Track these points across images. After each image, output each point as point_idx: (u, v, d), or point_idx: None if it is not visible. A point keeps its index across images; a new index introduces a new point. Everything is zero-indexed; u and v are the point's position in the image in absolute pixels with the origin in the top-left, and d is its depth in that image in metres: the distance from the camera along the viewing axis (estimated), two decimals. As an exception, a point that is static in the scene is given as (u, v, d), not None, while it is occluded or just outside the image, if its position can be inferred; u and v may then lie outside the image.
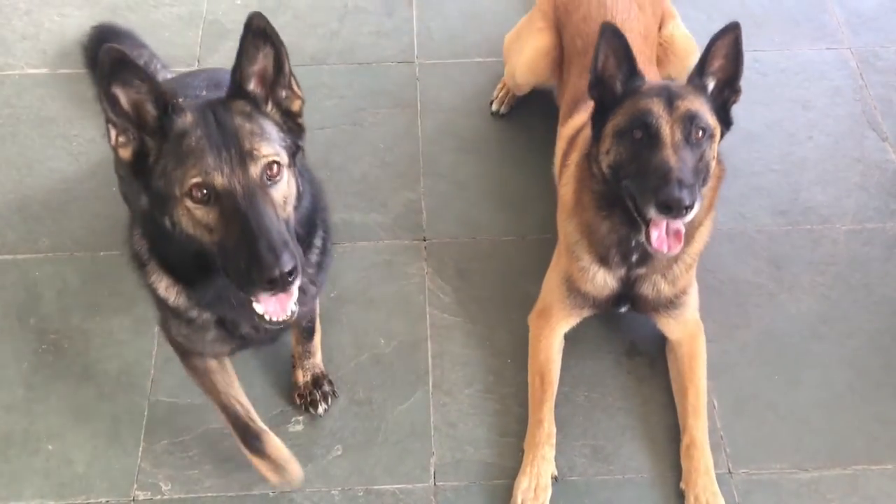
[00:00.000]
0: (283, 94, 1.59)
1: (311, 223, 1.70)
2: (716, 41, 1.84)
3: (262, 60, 1.54)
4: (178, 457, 2.10)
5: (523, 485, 1.99)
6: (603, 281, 2.05)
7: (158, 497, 2.04)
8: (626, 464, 2.08)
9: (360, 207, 2.56)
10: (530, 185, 2.59)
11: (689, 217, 1.76)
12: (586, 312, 2.16)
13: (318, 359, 2.17)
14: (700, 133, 1.80)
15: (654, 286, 2.04)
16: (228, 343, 1.85)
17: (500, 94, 2.77)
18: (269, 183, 1.51)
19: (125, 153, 1.54)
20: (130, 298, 2.38)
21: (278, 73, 1.56)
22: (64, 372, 2.25)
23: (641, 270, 2.02)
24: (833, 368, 2.22)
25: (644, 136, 1.80)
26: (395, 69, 2.91)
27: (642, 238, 1.85)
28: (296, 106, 1.61)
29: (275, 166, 1.51)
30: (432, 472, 2.07)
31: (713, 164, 1.86)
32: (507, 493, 2.02)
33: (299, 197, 1.60)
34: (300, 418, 2.15)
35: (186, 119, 1.50)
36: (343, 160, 2.68)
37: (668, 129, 1.78)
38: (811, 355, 2.25)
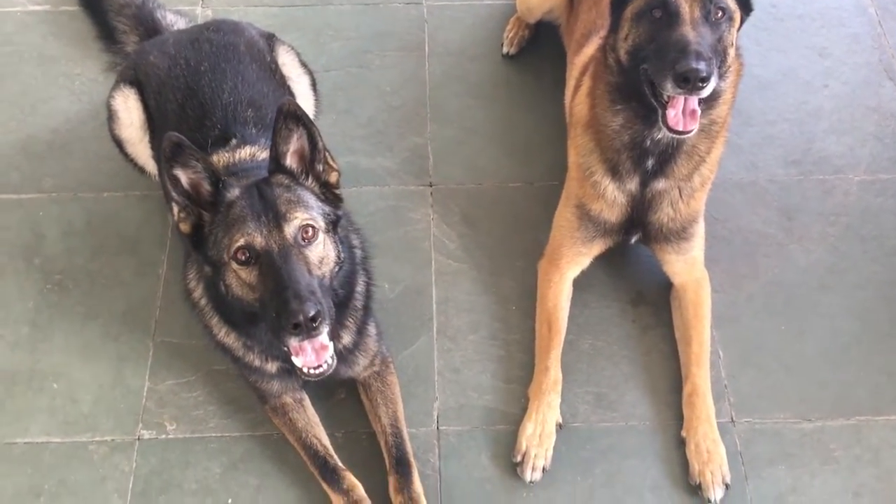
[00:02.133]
0: (320, 167, 1.76)
1: (352, 280, 1.85)
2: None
3: (297, 140, 1.73)
4: (183, 397, 2.11)
5: (528, 431, 2.00)
6: (614, 196, 2.01)
7: (163, 436, 2.06)
8: (629, 411, 2.08)
9: (365, 152, 2.53)
10: (539, 130, 2.55)
11: (707, 91, 1.75)
12: (596, 247, 2.13)
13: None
14: (720, 13, 1.79)
15: (671, 205, 2.01)
16: (293, 379, 1.97)
17: (511, 35, 2.71)
18: (303, 243, 1.67)
19: (185, 227, 1.73)
20: (135, 239, 2.38)
21: (313, 150, 1.74)
22: (69, 311, 2.25)
23: (658, 184, 1.97)
24: (840, 320, 2.21)
25: (663, 15, 1.79)
26: (403, 10, 2.85)
27: (658, 133, 1.85)
28: (332, 178, 1.78)
29: (310, 230, 1.68)
30: (435, 417, 2.08)
31: (732, 51, 1.85)
32: (510, 438, 2.03)
33: (338, 260, 1.74)
34: (304, 361, 2.15)
35: (234, 193, 1.70)
36: (349, 103, 2.64)
37: (686, 7, 1.78)
38: (819, 306, 2.24)
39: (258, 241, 1.64)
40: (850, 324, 2.20)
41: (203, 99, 2.08)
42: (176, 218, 1.74)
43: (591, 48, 2.16)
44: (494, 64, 2.71)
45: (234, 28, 2.26)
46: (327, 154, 1.76)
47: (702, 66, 1.70)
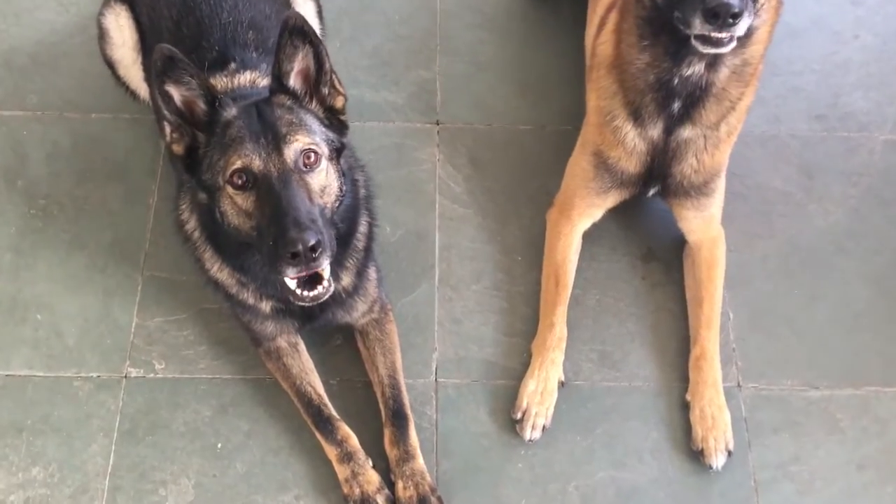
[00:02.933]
0: (326, 91, 1.65)
1: (354, 217, 1.75)
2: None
3: (302, 59, 1.61)
4: (173, 335, 2.03)
5: (530, 387, 1.94)
6: (634, 143, 1.90)
7: (151, 375, 1.99)
8: (634, 371, 2.02)
9: (370, 84, 2.40)
10: (555, 70, 2.41)
11: (740, 28, 1.61)
12: (611, 199, 2.03)
13: (419, 463, 1.83)
14: (310, 156, 1.60)
15: (695, 154, 1.89)
16: (289, 321, 1.86)
17: None
18: (305, 169, 1.57)
19: (178, 148, 1.62)
20: (124, 166, 2.26)
21: (319, 71, 1.63)
22: (53, 239, 2.15)
23: (684, 131, 1.86)
24: (855, 286, 2.14)
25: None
26: (415, -69, 2.66)
27: (686, 69, 1.73)
28: (338, 103, 1.67)
29: (312, 155, 1.58)
30: (434, 368, 2.01)
31: None
32: (509, 393, 1.98)
33: (341, 191, 1.64)
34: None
35: (231, 112, 1.59)
36: (354, 30, 2.48)
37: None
38: (834, 270, 2.16)
39: (256, 163, 1.54)
40: (865, 290, 2.13)
41: (200, 17, 1.94)
42: (168, 139, 1.62)
43: None
44: (509, -6, 2.56)
45: None
46: (334, 76, 1.64)
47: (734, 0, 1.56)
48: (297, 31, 1.55)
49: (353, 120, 2.30)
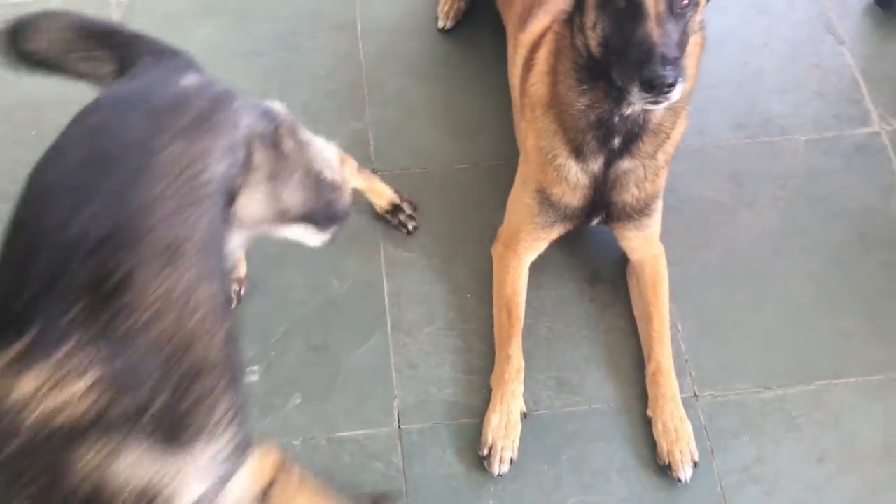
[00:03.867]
0: None
1: None
2: None
3: None
4: (129, 416, 2.00)
5: (493, 422, 1.95)
6: (577, 179, 1.94)
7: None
8: (593, 394, 2.05)
9: (303, 140, 2.42)
10: (482, 108, 2.47)
11: (675, 95, 1.66)
12: (556, 231, 2.07)
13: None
14: (685, 1, 1.67)
15: (636, 183, 1.95)
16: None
17: (446, 8, 2.60)
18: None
19: None
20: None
21: None
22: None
23: (624, 163, 1.91)
24: (795, 284, 2.20)
25: (627, 6, 1.65)
26: (332, -14, 2.72)
27: (626, 109, 1.78)
28: None
29: None
30: (396, 415, 2.02)
31: (695, 32, 1.76)
32: (473, 431, 1.99)
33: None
34: (255, 368, 2.07)
35: None
36: (282, 90, 2.50)
37: (651, 1, 1.64)
38: (773, 272, 2.23)
39: None
40: (805, 288, 2.20)
41: None
42: None
43: (536, 24, 2.07)
44: (432, 39, 2.61)
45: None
46: None
47: (668, 71, 1.60)
48: None
49: (289, 178, 2.33)
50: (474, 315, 2.15)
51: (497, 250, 2.13)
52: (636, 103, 1.73)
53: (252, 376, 2.06)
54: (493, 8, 2.52)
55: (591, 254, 2.24)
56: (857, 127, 2.47)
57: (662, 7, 1.65)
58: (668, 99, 1.66)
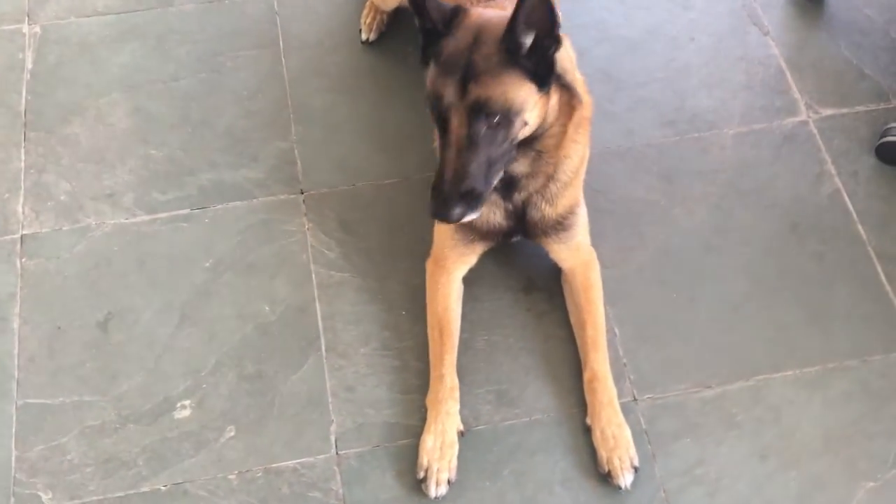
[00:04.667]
0: None
1: None
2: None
3: None
4: (56, 461, 1.94)
5: (428, 444, 1.92)
6: (484, 213, 1.93)
7: (40, 508, 1.89)
8: (532, 405, 2.02)
9: (228, 164, 2.37)
10: (409, 120, 2.43)
11: (471, 217, 1.71)
12: (479, 248, 2.05)
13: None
14: (496, 119, 1.63)
15: (537, 208, 1.95)
16: None
17: (368, 21, 2.56)
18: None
19: None
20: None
21: None
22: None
23: (517, 196, 1.91)
24: (729, 280, 2.20)
25: (440, 122, 1.68)
26: (251, 4, 2.66)
27: None
28: None
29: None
30: (333, 441, 1.97)
31: (535, 116, 1.71)
32: (413, 452, 1.95)
33: None
34: (186, 402, 2.01)
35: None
36: (204, 113, 2.46)
37: (455, 122, 1.64)
38: (707, 269, 2.22)
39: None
40: (739, 283, 2.20)
41: None
42: None
43: None
44: (355, 53, 2.57)
45: None
46: None
47: (450, 208, 1.66)
48: None
49: (214, 203, 2.30)
50: (410, 333, 2.11)
51: (428, 267, 2.10)
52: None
53: (183, 411, 2.00)
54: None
55: (525, 263, 2.21)
56: (785, 117, 2.48)
57: (465, 132, 1.63)
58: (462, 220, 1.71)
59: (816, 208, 2.31)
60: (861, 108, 2.49)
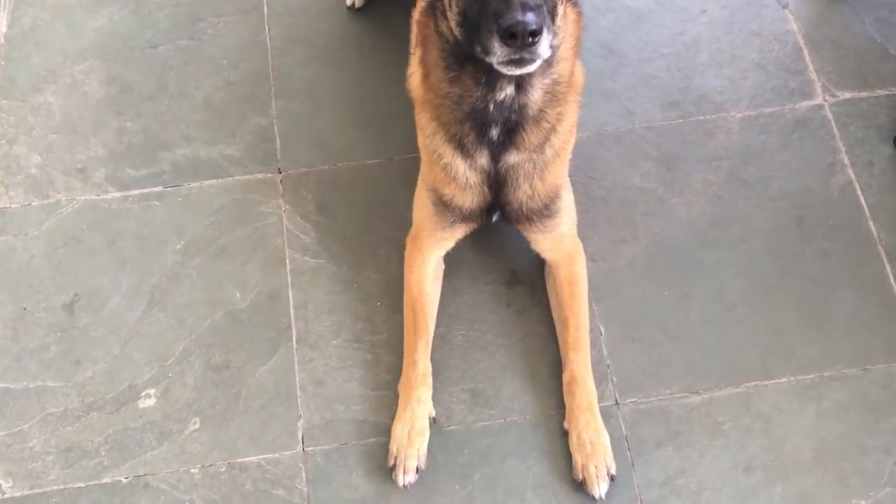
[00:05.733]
0: None
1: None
2: None
3: None
4: (17, 448, 1.90)
5: (398, 431, 1.85)
6: (466, 178, 1.81)
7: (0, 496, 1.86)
8: (508, 406, 1.93)
9: (204, 139, 2.26)
10: (395, 96, 2.27)
11: (542, 48, 1.50)
12: (459, 231, 1.94)
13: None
14: None
15: (526, 178, 1.81)
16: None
17: None
18: None
19: None
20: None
21: None
22: None
23: (510, 157, 1.77)
24: (725, 277, 2.07)
25: None
26: (236, -34, 2.52)
27: (500, 94, 1.64)
28: None
29: None
30: (300, 437, 1.91)
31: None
32: (381, 451, 1.88)
33: None
34: (151, 391, 1.95)
35: None
36: (181, 83, 2.34)
37: None
38: (702, 265, 2.09)
39: None
40: (736, 281, 2.07)
41: None
42: None
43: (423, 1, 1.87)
44: (341, 20, 2.43)
45: None
46: None
47: (529, 17, 1.45)
48: None
49: (188, 181, 2.20)
50: (384, 325, 2.02)
51: (407, 248, 2.00)
52: (502, 70, 1.56)
53: (148, 401, 1.95)
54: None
55: (508, 254, 2.10)
56: (799, 100, 2.31)
57: None
58: (533, 57, 1.51)
59: (825, 202, 2.16)
60: (882, 93, 2.31)
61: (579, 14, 1.69)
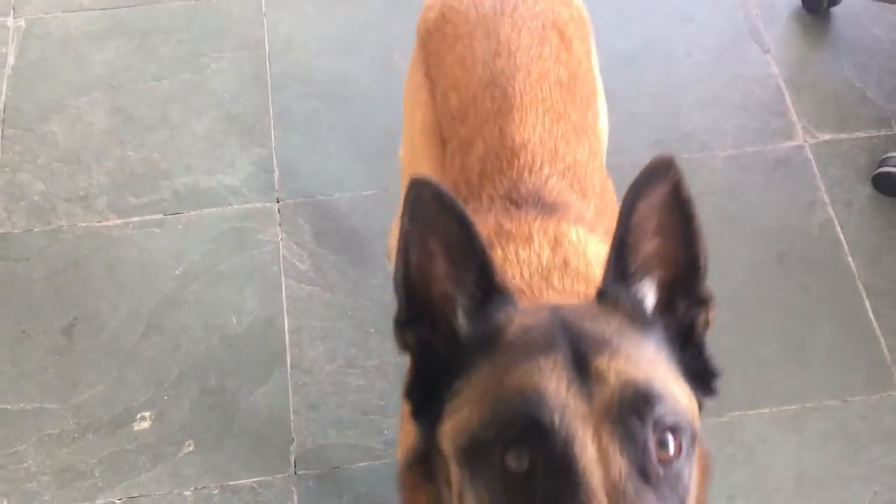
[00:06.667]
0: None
1: None
2: (641, 192, 0.92)
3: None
4: (13, 469, 1.92)
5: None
6: None
7: (-7, 516, 1.88)
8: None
9: (204, 169, 2.33)
10: (389, 131, 2.36)
11: None
12: None
13: None
14: (669, 439, 0.84)
15: None
16: None
17: None
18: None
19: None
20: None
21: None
22: None
23: None
24: (710, 310, 2.13)
25: (536, 468, 0.81)
26: (239, 4, 2.61)
27: None
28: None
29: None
30: (292, 461, 1.94)
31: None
32: (371, 476, 1.91)
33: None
34: (146, 414, 1.99)
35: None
36: (184, 115, 2.42)
37: (592, 451, 0.80)
38: (688, 298, 2.15)
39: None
40: (719, 313, 2.07)
41: None
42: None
43: None
44: (341, 58, 2.51)
45: None
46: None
47: None
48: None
49: (188, 209, 2.26)
50: (377, 351, 2.07)
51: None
52: None
53: (143, 423, 1.98)
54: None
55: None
56: (780, 140, 2.40)
57: (623, 468, 0.80)
58: None
59: (806, 238, 2.23)
60: (861, 134, 2.40)
61: (707, 455, 1.04)
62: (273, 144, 2.37)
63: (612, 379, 0.84)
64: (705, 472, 1.02)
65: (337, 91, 2.46)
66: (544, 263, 1.18)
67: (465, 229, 0.91)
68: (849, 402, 2.00)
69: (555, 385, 0.83)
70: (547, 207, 1.26)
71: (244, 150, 2.36)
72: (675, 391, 0.88)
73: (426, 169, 1.52)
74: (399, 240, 0.93)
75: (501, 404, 0.84)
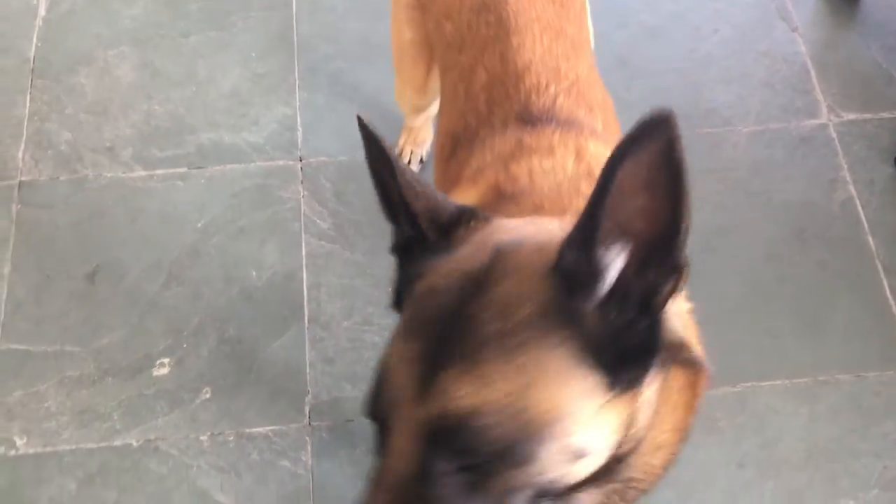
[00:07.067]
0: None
1: None
2: (631, 148, 0.78)
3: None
4: (33, 408, 1.96)
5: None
6: None
7: (13, 452, 1.91)
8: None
9: (229, 126, 2.35)
10: (414, 94, 2.39)
11: None
12: None
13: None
14: (481, 459, 0.82)
15: None
16: None
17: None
18: None
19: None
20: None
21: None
22: None
23: None
24: (725, 282, 2.14)
25: (378, 434, 0.90)
26: (269, -36, 2.62)
27: None
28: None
29: None
30: (307, 412, 1.97)
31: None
32: (385, 430, 1.94)
33: None
34: (165, 360, 2.02)
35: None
36: (210, 72, 2.44)
37: (399, 443, 0.86)
38: (704, 269, 2.15)
39: None
40: (736, 286, 2.13)
41: None
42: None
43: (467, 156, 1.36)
44: (366, 20, 2.52)
45: None
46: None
47: None
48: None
49: (212, 164, 2.28)
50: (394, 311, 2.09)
51: None
52: None
53: (162, 369, 2.01)
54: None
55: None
56: (804, 119, 2.39)
57: (404, 471, 0.83)
58: None
59: (826, 215, 2.23)
60: (886, 115, 2.39)
61: (698, 371, 1.05)
62: (297, 104, 2.38)
63: (441, 400, 0.82)
64: (695, 390, 1.04)
65: (362, 53, 2.47)
66: (570, 174, 1.19)
67: (392, 179, 0.95)
68: (862, 377, 2.01)
69: (402, 380, 0.87)
70: (562, 123, 1.25)
71: (269, 109, 2.37)
72: (532, 403, 0.80)
73: (413, 88, 1.86)
74: None
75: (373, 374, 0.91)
